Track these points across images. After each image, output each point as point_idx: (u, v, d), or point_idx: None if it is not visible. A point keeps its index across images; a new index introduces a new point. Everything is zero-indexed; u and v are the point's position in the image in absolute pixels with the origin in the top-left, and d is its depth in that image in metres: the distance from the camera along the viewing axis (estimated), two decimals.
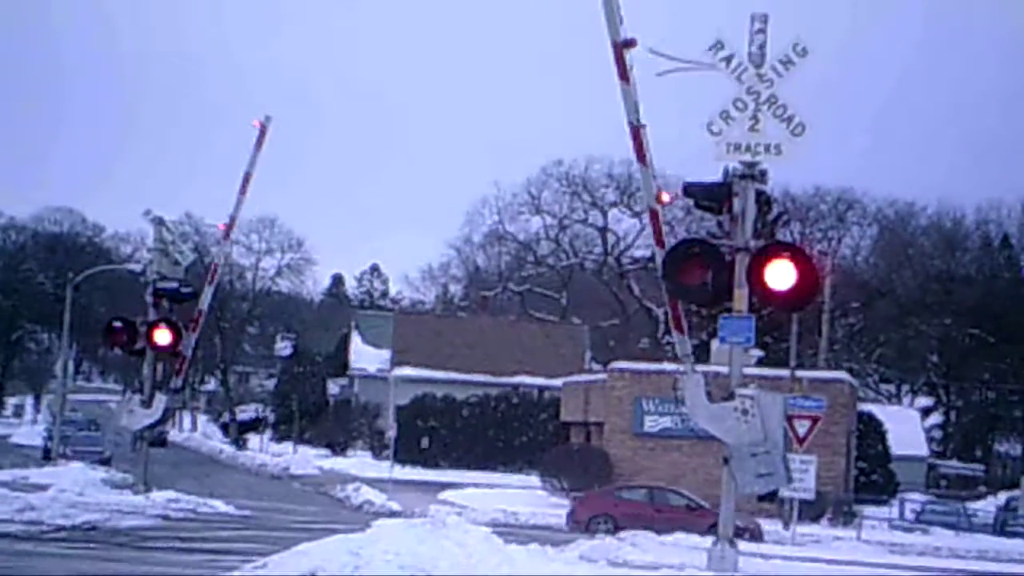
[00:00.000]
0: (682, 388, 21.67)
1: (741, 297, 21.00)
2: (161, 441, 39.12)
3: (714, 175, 21.67)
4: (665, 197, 23.47)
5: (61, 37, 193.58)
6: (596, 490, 42.48)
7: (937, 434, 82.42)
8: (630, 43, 21.24)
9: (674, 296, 22.07)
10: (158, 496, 36.55)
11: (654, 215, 22.99)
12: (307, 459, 68.78)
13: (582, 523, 37.57)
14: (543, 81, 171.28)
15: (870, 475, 56.13)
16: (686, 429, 41.46)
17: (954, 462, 75.35)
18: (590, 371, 68.64)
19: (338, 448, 77.04)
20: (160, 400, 37.59)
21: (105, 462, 49.78)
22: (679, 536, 32.55)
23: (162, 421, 39.29)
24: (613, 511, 38.06)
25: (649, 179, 22.82)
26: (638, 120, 21.59)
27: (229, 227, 41.36)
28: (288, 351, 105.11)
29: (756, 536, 35.68)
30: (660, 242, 22.54)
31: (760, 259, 20.56)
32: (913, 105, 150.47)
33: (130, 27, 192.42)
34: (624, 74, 21.37)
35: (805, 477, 33.73)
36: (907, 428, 66.11)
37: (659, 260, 22.53)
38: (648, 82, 21.89)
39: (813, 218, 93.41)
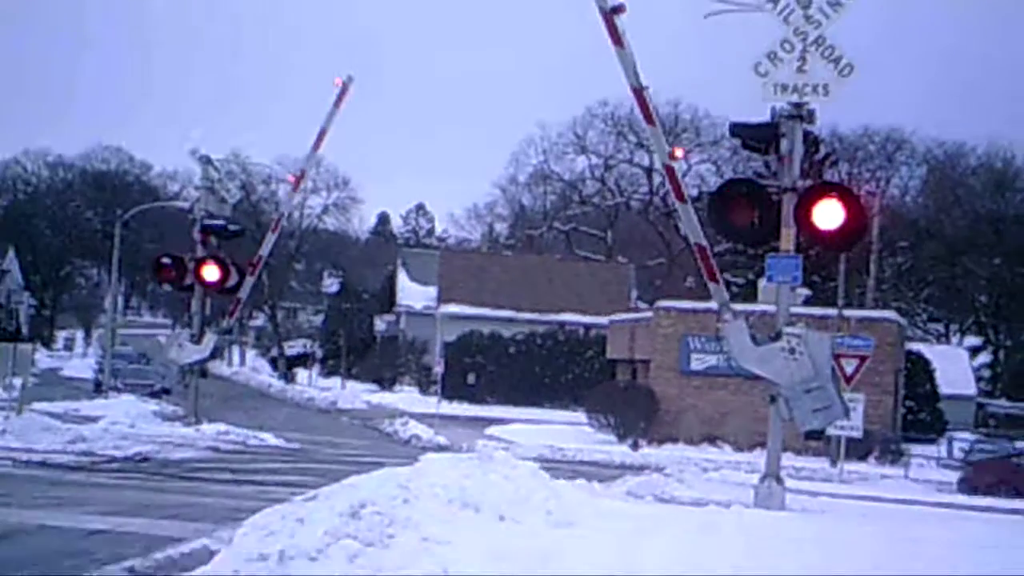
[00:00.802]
0: (725, 336, 21.76)
1: (788, 237, 21.00)
2: (201, 372, 39.55)
3: (761, 116, 21.59)
4: (679, 153, 23.69)
5: None
6: (990, 457, 39.96)
7: (986, 373, 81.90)
8: (619, 9, 21.24)
9: (723, 236, 22.15)
10: (208, 428, 37.02)
11: (670, 171, 23.10)
12: (355, 394, 69.29)
13: (979, 490, 34.79)
14: (587, 21, 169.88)
15: (918, 414, 55.98)
16: (733, 367, 41.46)
17: (1003, 401, 74.86)
18: (636, 309, 68.62)
19: (385, 383, 77.48)
20: (210, 338, 38.15)
21: (156, 395, 50.37)
22: (726, 473, 32.66)
23: (211, 358, 39.77)
24: (1014, 479, 36.56)
25: (659, 138, 22.96)
26: (639, 82, 21.62)
27: (299, 179, 41.68)
28: (335, 288, 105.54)
29: None
30: (680, 196, 22.63)
31: (807, 199, 20.53)
32: (963, 44, 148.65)
33: None
34: (618, 39, 21.40)
35: (853, 416, 33.62)
36: (955, 367, 65.80)
37: (682, 214, 22.58)
38: (695, 24, 21.79)
39: (861, 158, 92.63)
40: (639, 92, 21.79)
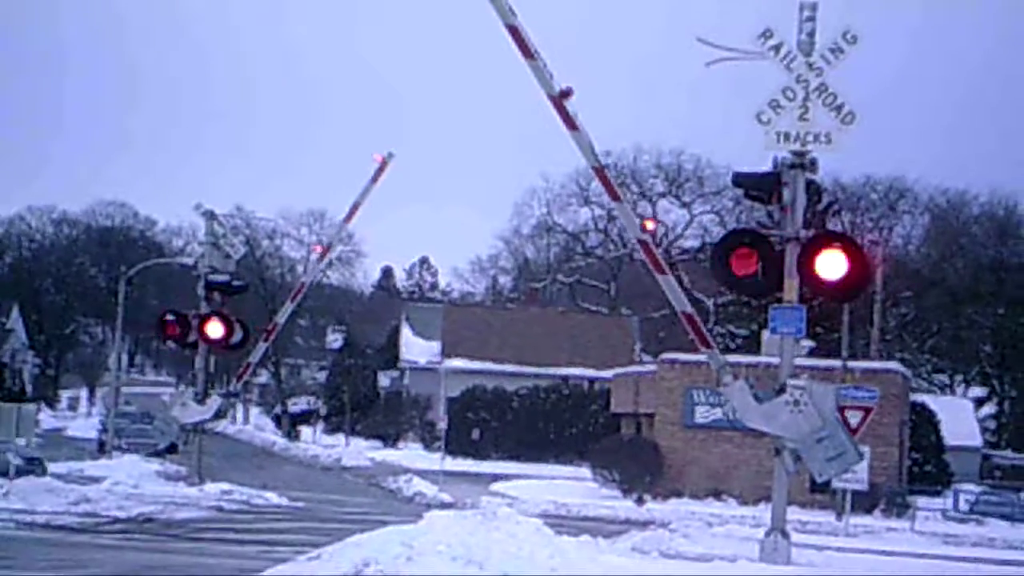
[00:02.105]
0: (728, 399, 21.78)
1: (792, 287, 20.97)
2: (201, 429, 39.59)
3: (763, 164, 21.63)
4: (649, 225, 23.98)
5: (113, 33, 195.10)
6: None
7: (991, 424, 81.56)
8: (567, 93, 21.53)
9: (726, 287, 22.21)
10: (212, 488, 36.88)
11: (644, 246, 23.17)
12: (359, 451, 69.01)
13: None
14: (591, 71, 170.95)
15: (923, 466, 55.72)
16: (736, 421, 41.31)
17: (1008, 452, 74.55)
18: (640, 362, 68.48)
19: (389, 440, 77.20)
20: (215, 400, 38.09)
21: (160, 454, 50.14)
22: (731, 527, 32.46)
23: (214, 419, 39.75)
24: None
25: (628, 214, 23.24)
26: (598, 162, 21.92)
27: (325, 251, 41.72)
28: (339, 343, 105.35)
29: None
30: (659, 268, 22.80)
31: (810, 249, 20.52)
32: (965, 93, 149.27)
33: (182, 20, 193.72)
34: (571, 123, 21.78)
35: (858, 468, 33.47)
36: (960, 418, 65.55)
37: (664, 285, 22.75)
38: (696, 72, 21.87)
39: (864, 207, 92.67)
40: (600, 171, 22.23)
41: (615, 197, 22.70)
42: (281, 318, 41.85)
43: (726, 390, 21.58)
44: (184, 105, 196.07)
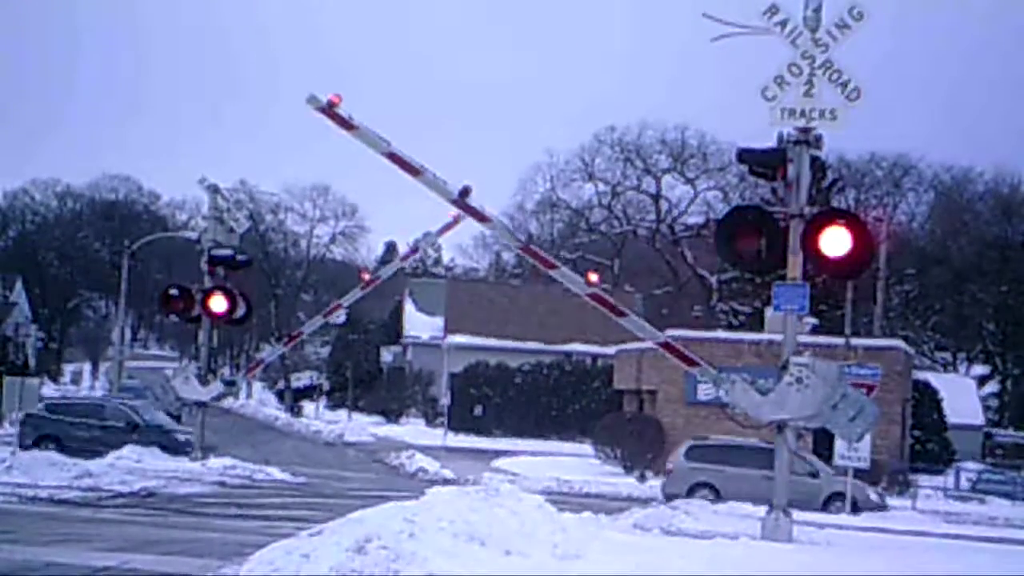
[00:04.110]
0: (734, 403, 21.83)
1: (795, 264, 20.94)
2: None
3: (769, 142, 21.56)
4: (593, 277, 24.18)
5: (118, 6, 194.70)
6: None
7: (993, 403, 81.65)
8: (465, 192, 21.83)
9: (730, 263, 22.25)
10: (215, 463, 36.92)
11: (595, 298, 23.28)
12: (361, 426, 69.01)
13: None
14: (595, 47, 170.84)
15: (925, 444, 55.72)
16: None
17: (1010, 431, 74.64)
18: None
19: (392, 416, 77.25)
20: (216, 386, 38.28)
21: None
22: (733, 504, 32.51)
23: (214, 400, 39.92)
24: None
25: (570, 277, 23.34)
26: (522, 241, 22.22)
27: (371, 281, 42.38)
28: (342, 319, 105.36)
29: None
30: (617, 312, 23.03)
31: (815, 226, 20.48)
32: (970, 70, 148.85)
33: None
34: (482, 218, 22.16)
35: (860, 446, 33.45)
36: (963, 397, 65.53)
37: (630, 326, 22.88)
38: (704, 49, 21.81)
39: (868, 184, 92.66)
40: (528, 248, 22.57)
41: (551, 266, 23.04)
42: (307, 328, 45.24)
43: (729, 397, 21.68)
44: (197, 80, 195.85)
